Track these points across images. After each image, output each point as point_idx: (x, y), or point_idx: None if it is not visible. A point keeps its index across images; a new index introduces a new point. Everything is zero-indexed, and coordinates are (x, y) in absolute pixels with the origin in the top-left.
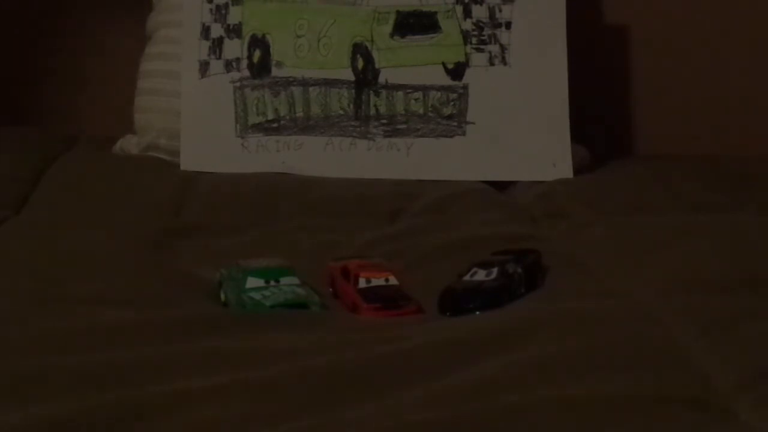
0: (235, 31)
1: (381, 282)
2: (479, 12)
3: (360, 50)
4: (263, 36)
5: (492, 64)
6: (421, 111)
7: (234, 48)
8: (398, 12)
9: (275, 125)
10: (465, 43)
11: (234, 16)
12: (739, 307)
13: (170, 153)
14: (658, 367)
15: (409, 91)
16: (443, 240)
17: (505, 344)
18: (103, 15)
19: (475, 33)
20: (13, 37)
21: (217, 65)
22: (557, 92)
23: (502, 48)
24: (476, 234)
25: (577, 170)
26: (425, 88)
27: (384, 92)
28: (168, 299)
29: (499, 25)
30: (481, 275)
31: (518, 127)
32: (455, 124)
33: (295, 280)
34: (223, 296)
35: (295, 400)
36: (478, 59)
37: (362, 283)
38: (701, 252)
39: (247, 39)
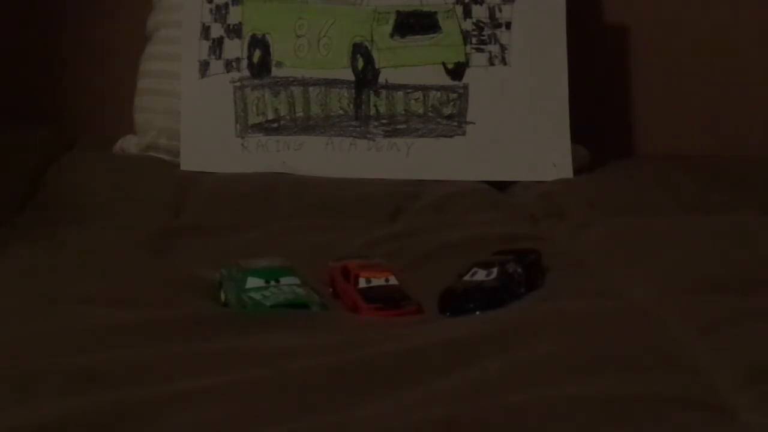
0: (235, 31)
1: (381, 282)
2: (479, 12)
3: (360, 50)
4: (263, 36)
5: (492, 64)
6: (421, 111)
7: (234, 48)
8: (398, 12)
9: (275, 125)
10: (465, 43)
11: (234, 16)
12: (739, 307)
13: (170, 153)
14: (658, 367)
15: (409, 91)
16: (443, 240)
17: (505, 344)
18: (103, 15)
19: (475, 33)
20: (13, 37)
21: (217, 65)
22: (557, 92)
23: (502, 48)
24: (476, 234)
25: (577, 170)
26: (425, 88)
27: (384, 92)
28: (168, 299)
29: (499, 25)
30: (481, 275)
31: (518, 127)
32: (455, 124)
33: (295, 280)
34: (223, 296)
35: (295, 400)
36: (478, 59)
37: (362, 283)
38: (701, 252)
39: (247, 39)
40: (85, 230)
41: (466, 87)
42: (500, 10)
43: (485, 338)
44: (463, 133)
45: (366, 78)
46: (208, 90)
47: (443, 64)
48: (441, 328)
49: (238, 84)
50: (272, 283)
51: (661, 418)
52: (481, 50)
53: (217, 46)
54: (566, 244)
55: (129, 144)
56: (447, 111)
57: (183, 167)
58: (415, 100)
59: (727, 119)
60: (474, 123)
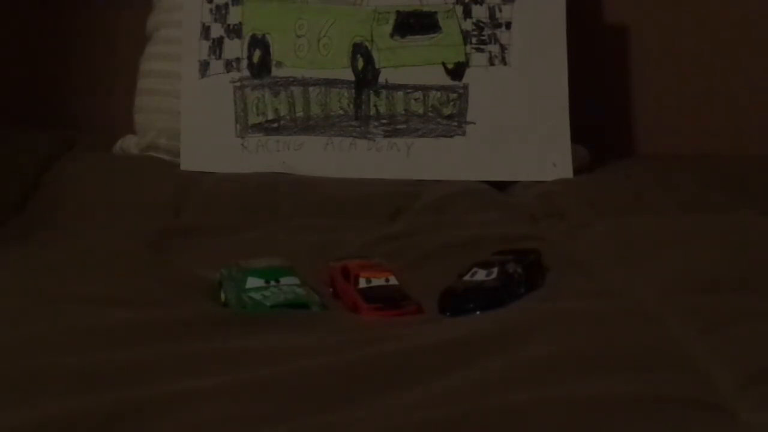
0: (235, 31)
1: (381, 282)
2: (479, 12)
3: (360, 50)
4: (263, 36)
5: (492, 64)
6: (421, 111)
7: (234, 48)
8: (398, 12)
9: (275, 125)
10: (465, 43)
11: (234, 16)
12: (739, 307)
13: (170, 153)
14: (658, 367)
15: (409, 91)
16: (443, 240)
17: (505, 344)
18: (103, 15)
19: (475, 33)
20: (13, 37)
21: (217, 65)
22: (557, 92)
23: (502, 48)
24: (476, 234)
25: (577, 170)
26: (425, 88)
27: (384, 92)
28: (168, 299)
29: (499, 25)
30: (481, 275)
31: (518, 127)
32: (455, 124)
33: (295, 280)
34: (223, 296)
35: (295, 400)
36: (478, 59)
37: (362, 283)
38: (701, 252)
39: (247, 39)
40: (84, 230)
41: (466, 87)
42: (500, 10)
43: (485, 338)
44: (463, 133)
45: (366, 78)
46: (208, 90)
47: (443, 64)
48: (441, 328)
49: (238, 84)
50: (272, 283)
51: (661, 418)
52: (481, 50)
53: (217, 46)
54: (566, 244)
55: (129, 144)
56: (447, 111)
57: (183, 167)
58: (415, 100)
59: (727, 119)
60: (474, 123)
